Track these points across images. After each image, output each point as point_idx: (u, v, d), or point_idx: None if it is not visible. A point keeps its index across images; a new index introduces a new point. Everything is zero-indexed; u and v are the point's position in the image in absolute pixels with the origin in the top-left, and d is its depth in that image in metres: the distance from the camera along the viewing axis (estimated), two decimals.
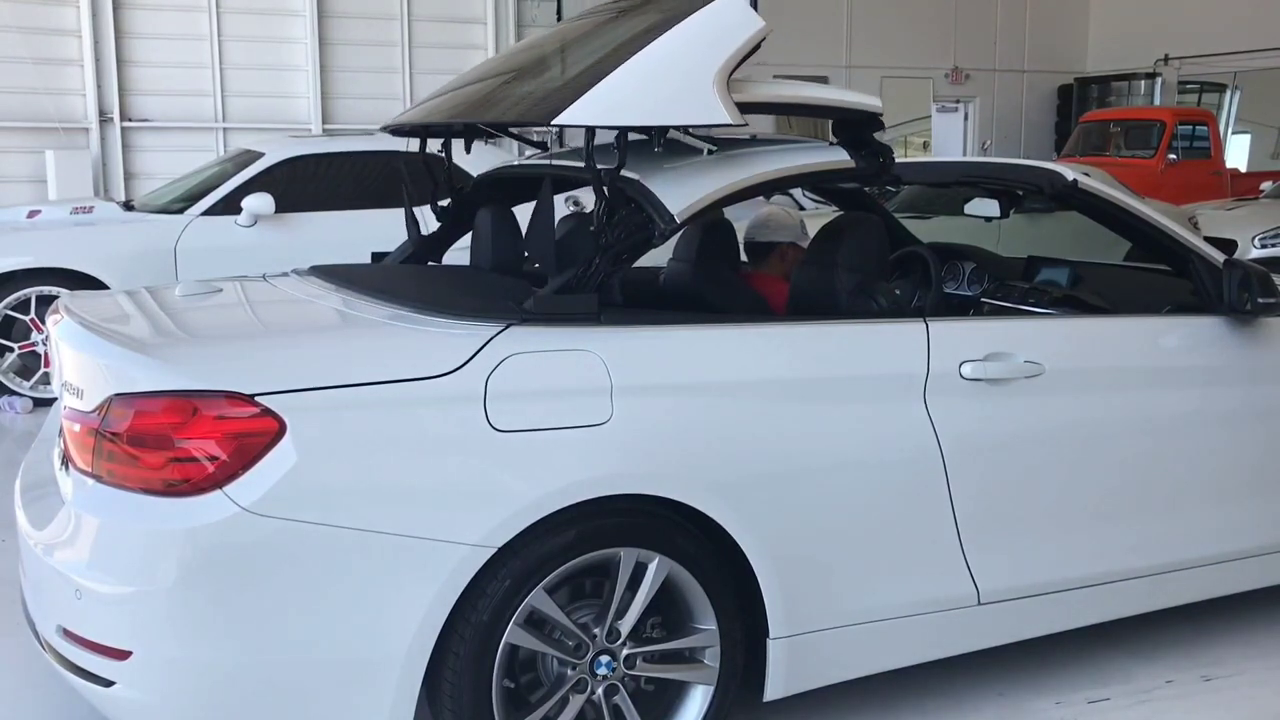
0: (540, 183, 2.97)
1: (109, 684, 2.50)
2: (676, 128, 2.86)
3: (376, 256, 4.09)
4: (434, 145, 3.99)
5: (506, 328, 2.69)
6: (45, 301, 7.00)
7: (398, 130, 3.85)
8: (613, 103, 2.80)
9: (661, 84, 2.86)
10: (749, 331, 2.98)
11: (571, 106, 2.77)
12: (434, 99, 3.67)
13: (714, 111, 2.81)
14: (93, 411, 2.58)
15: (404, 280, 3.41)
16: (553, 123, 2.80)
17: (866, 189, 4.55)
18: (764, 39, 2.90)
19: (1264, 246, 10.55)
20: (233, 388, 2.47)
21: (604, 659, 2.78)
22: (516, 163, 3.78)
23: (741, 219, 4.96)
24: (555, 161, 3.46)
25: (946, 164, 3.83)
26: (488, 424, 2.59)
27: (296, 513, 2.44)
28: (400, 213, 4.03)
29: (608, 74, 2.84)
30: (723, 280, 3.69)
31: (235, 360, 2.58)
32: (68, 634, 2.57)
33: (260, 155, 7.91)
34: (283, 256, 7.34)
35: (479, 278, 3.47)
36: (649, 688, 2.88)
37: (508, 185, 3.95)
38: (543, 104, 2.92)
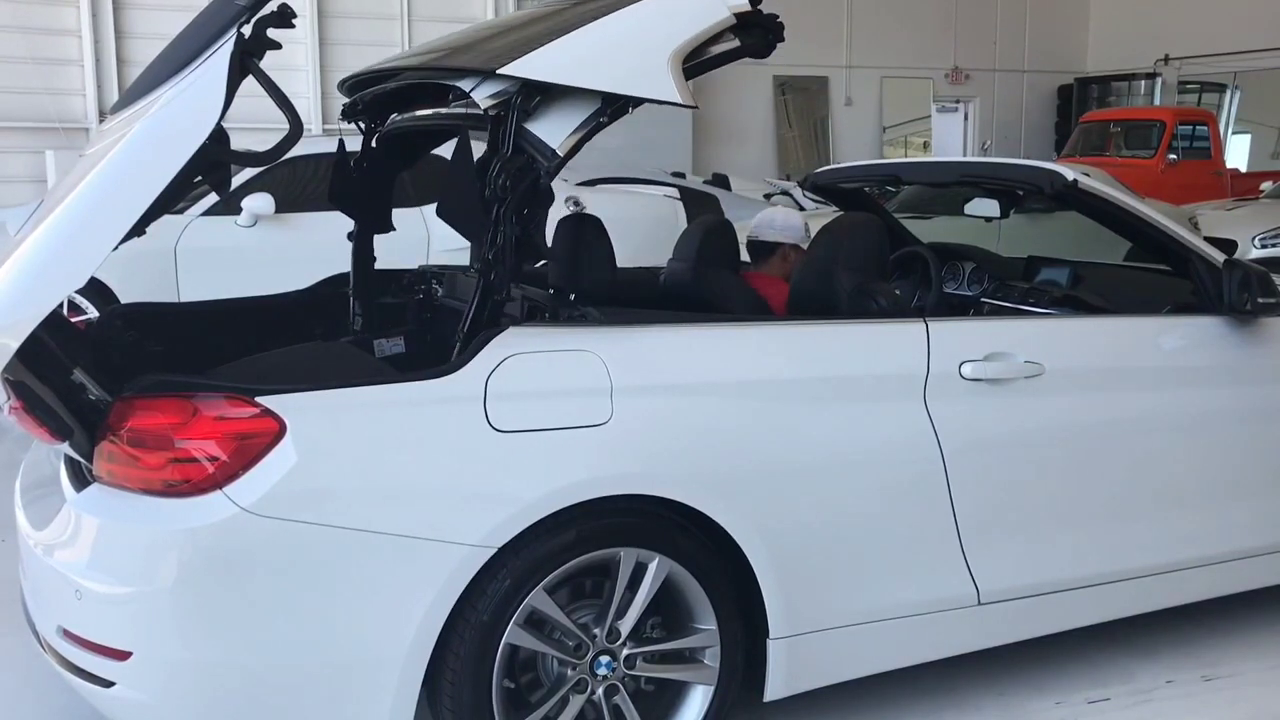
0: (435, 133, 2.78)
1: (109, 685, 2.50)
2: (625, 98, 2.80)
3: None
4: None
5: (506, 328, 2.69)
6: None
7: (355, 87, 3.61)
8: (562, 62, 2.75)
9: (616, 54, 2.82)
10: (749, 331, 2.98)
11: (520, 59, 2.72)
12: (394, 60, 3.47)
13: (665, 89, 2.78)
14: None
15: None
16: (498, 72, 2.73)
17: (866, 189, 4.56)
18: (728, 27, 2.86)
19: (1264, 246, 10.54)
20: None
21: (604, 659, 2.78)
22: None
23: (743, 220, 4.96)
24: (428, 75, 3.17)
25: (946, 164, 3.83)
26: (488, 424, 2.59)
27: (296, 513, 2.44)
28: (399, 213, 4.02)
29: (563, 35, 2.80)
30: (723, 280, 3.69)
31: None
32: (68, 634, 2.57)
33: None
34: (283, 257, 7.35)
35: None
36: (649, 688, 2.88)
37: (409, 139, 3.80)
38: (492, 55, 2.84)
